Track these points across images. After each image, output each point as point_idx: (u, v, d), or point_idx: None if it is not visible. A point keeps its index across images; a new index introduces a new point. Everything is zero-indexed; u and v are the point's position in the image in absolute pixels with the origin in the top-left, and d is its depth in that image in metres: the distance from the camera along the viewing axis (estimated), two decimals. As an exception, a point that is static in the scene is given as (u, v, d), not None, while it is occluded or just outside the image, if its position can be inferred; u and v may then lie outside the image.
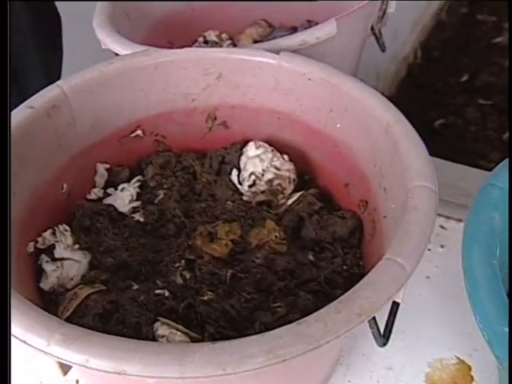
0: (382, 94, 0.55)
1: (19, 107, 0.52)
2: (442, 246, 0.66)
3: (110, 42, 0.70)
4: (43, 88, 0.99)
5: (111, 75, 0.57)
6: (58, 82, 0.55)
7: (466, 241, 0.40)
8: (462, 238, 0.41)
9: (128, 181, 0.61)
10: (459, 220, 0.68)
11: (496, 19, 2.27)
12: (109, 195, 0.59)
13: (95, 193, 0.59)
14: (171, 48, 0.90)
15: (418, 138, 0.49)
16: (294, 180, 0.59)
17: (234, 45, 0.93)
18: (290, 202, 0.57)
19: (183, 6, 0.91)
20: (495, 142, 1.64)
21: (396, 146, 0.48)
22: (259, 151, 0.58)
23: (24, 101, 0.99)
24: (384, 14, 0.76)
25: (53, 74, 1.03)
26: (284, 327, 0.35)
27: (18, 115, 0.52)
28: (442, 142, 1.76)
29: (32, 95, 0.99)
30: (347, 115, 0.55)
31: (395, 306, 0.43)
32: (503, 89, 1.79)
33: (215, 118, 0.63)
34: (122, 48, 0.68)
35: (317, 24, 0.92)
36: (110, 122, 0.59)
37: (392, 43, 1.88)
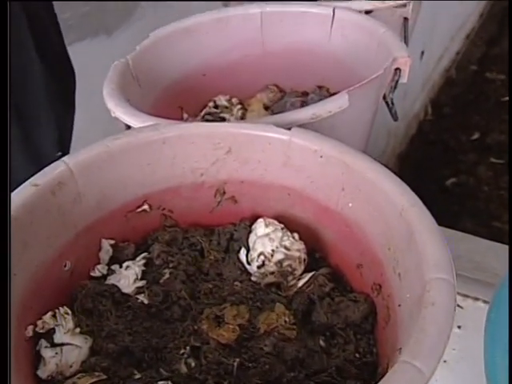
0: (389, 168, 0.54)
1: (23, 185, 0.51)
2: (460, 327, 0.63)
3: (119, 112, 0.69)
4: (55, 147, 1.00)
5: (118, 151, 0.56)
6: (63, 159, 0.54)
7: (487, 344, 0.38)
8: (484, 339, 0.38)
9: (133, 257, 0.59)
10: (476, 299, 0.66)
11: (504, 78, 2.28)
12: (113, 272, 0.58)
13: (99, 270, 0.58)
14: (181, 112, 0.91)
15: (435, 224, 0.47)
16: (304, 260, 0.57)
17: (245, 109, 0.93)
18: (300, 283, 0.55)
19: (193, 72, 0.91)
20: (508, 202, 1.62)
21: (411, 231, 0.46)
22: (269, 229, 0.57)
23: (35, 160, 0.98)
24: (396, 84, 0.75)
25: (64, 131, 1.03)
26: None
27: (22, 193, 0.50)
28: (455, 201, 1.75)
29: (44, 154, 0.99)
30: (360, 195, 0.53)
31: (412, 409, 0.40)
32: (515, 147, 1.78)
33: (224, 193, 0.62)
34: (130, 118, 0.68)
35: (327, 90, 0.92)
36: (116, 197, 0.58)
37: (402, 101, 1.89)
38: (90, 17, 1.97)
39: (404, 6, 0.92)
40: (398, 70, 0.74)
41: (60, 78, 0.99)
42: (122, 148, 0.57)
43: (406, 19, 0.95)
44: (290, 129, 0.57)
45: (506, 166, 1.78)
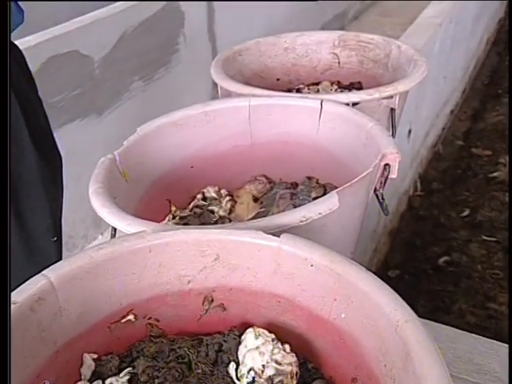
0: (379, 275, 0.52)
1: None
2: None
3: (104, 212, 0.68)
4: (49, 233, 0.97)
5: (102, 261, 0.54)
6: (44, 272, 0.52)
7: None
8: None
9: (117, 371, 0.56)
10: (478, 407, 0.63)
11: (491, 153, 2.32)
12: (95, 389, 0.54)
13: (80, 387, 0.54)
14: (170, 206, 0.89)
15: (432, 343, 0.45)
16: (296, 373, 0.54)
17: (234, 201, 0.92)
18: (292, 401, 0.52)
19: (181, 165, 0.90)
20: (503, 281, 1.60)
21: (408, 350, 0.44)
22: (259, 342, 0.54)
23: (30, 248, 0.96)
24: (386, 180, 0.75)
25: (57, 216, 1.02)
26: None
27: (-1, 313, 0.48)
28: (448, 281, 1.72)
29: (38, 240, 0.97)
30: (353, 306, 0.51)
31: None
32: (505, 224, 1.78)
33: (212, 300, 0.59)
34: (115, 220, 0.66)
35: (317, 181, 0.92)
36: (99, 308, 0.56)
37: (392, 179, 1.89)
38: (80, 98, 2.00)
39: (391, 97, 0.93)
40: (387, 165, 0.74)
41: (50, 160, 0.99)
42: (106, 258, 0.55)
43: (392, 109, 0.96)
44: (279, 235, 0.56)
45: (498, 243, 1.77)
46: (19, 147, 0.90)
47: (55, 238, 0.97)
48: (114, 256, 0.55)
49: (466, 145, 2.45)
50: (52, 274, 0.52)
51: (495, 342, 0.74)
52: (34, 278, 0.52)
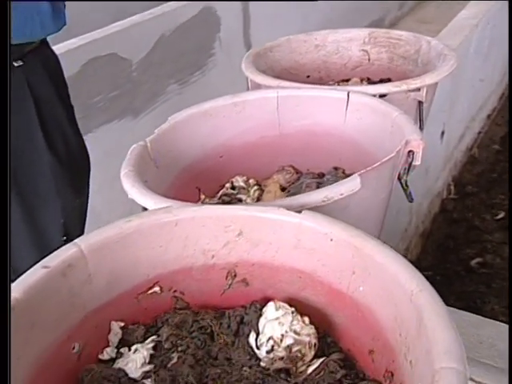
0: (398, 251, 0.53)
1: (34, 267, 0.52)
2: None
3: (134, 192, 0.71)
4: (60, 232, 1.01)
5: (130, 232, 0.57)
6: (75, 241, 0.55)
7: None
8: None
9: (143, 339, 0.58)
10: (500, 390, 0.63)
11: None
12: (122, 355, 0.57)
13: (108, 352, 0.57)
14: (199, 193, 0.92)
15: (445, 310, 0.46)
16: (314, 345, 0.55)
17: (262, 190, 0.94)
18: (310, 370, 0.53)
19: (211, 154, 0.93)
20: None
21: (421, 317, 0.45)
22: (279, 313, 0.56)
23: (39, 243, 0.99)
24: (410, 166, 0.76)
25: (71, 216, 1.05)
26: None
27: (32, 275, 0.51)
28: (481, 282, 1.71)
29: (48, 237, 1.00)
30: (370, 279, 0.53)
31: None
32: (541, 227, 1.76)
33: (235, 275, 0.61)
34: (144, 199, 0.69)
35: (343, 171, 0.93)
36: (127, 278, 0.58)
37: (424, 179, 1.89)
38: (118, 100, 2.05)
39: (418, 89, 0.94)
40: (411, 152, 0.75)
41: (69, 165, 1.02)
42: (134, 230, 0.57)
43: (420, 102, 0.96)
44: (300, 212, 0.57)
45: (532, 246, 1.75)
46: (33, 147, 0.94)
47: (65, 238, 1.01)
48: (141, 228, 0.58)
49: (502, 149, 2.42)
50: (82, 242, 0.55)
51: (518, 328, 0.74)
52: (65, 246, 0.55)
